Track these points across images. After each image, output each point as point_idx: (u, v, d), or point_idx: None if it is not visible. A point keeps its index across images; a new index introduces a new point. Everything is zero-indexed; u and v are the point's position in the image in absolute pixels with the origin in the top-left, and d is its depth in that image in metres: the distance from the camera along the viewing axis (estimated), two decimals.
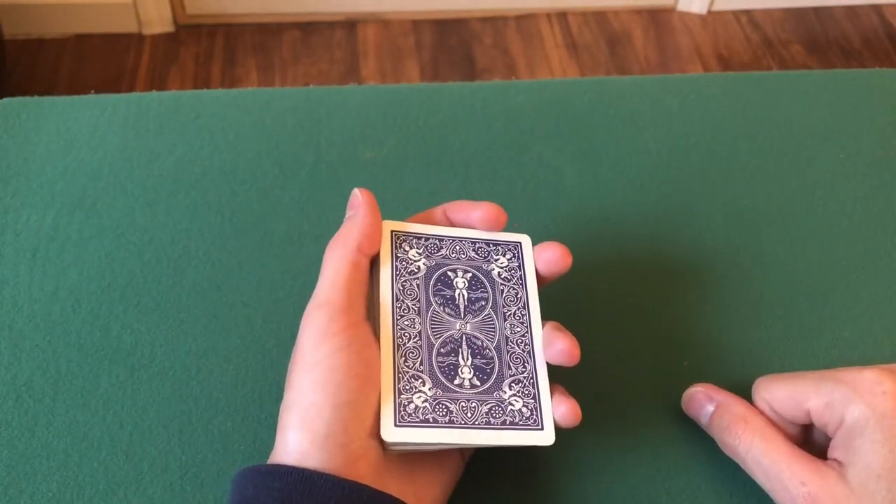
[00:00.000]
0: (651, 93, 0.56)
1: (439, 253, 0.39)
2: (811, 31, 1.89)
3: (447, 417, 0.34)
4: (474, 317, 0.37)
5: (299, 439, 0.32)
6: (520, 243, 0.40)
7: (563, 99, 0.56)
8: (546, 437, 0.35)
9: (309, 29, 1.78)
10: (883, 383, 0.34)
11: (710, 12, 1.90)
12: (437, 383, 0.35)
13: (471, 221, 0.40)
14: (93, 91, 0.55)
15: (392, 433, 0.33)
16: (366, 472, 0.33)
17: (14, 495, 0.37)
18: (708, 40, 1.84)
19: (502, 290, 0.38)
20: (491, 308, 0.38)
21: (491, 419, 0.34)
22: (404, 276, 0.37)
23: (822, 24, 1.91)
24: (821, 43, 1.86)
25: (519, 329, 0.37)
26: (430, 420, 0.34)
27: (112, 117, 0.52)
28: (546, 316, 0.38)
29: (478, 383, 0.35)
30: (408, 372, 0.35)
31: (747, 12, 1.91)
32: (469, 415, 0.34)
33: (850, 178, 0.52)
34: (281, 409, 0.34)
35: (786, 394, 0.37)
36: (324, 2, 1.78)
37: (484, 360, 0.36)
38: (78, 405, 0.40)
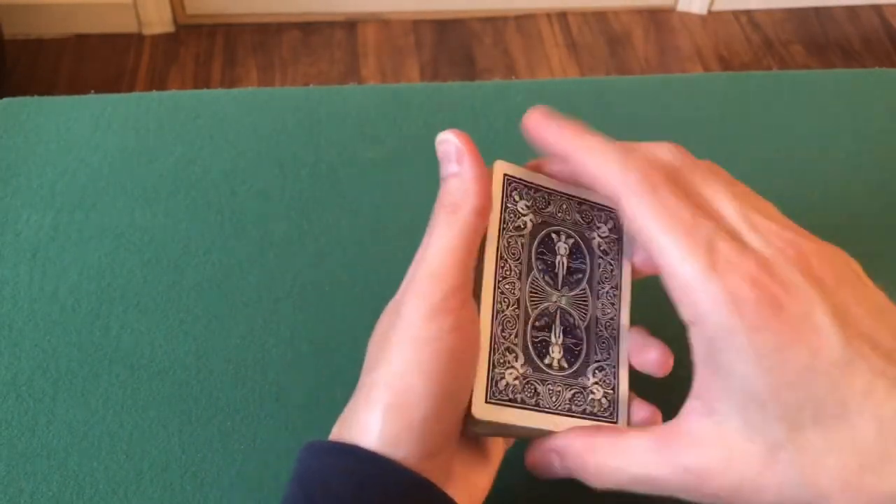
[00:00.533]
0: (651, 93, 0.56)
1: (547, 210, 0.34)
2: (811, 32, 1.89)
3: (534, 399, 0.31)
4: (570, 290, 0.34)
5: (391, 423, 0.29)
6: None
7: (563, 99, 0.56)
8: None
9: (309, 29, 1.78)
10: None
11: (710, 12, 1.90)
12: (528, 360, 0.32)
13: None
14: (93, 91, 0.55)
15: (482, 409, 0.30)
16: (440, 466, 0.30)
17: (14, 495, 0.37)
18: (708, 40, 1.84)
19: (599, 264, 0.35)
20: (587, 283, 0.34)
21: (573, 406, 0.32)
22: (511, 230, 0.33)
23: (823, 24, 1.91)
24: (821, 43, 1.86)
25: (609, 311, 0.34)
26: (519, 400, 0.31)
27: (112, 117, 0.52)
28: None
29: (566, 365, 0.33)
30: (503, 343, 0.31)
31: (747, 12, 1.92)
32: (554, 399, 0.32)
33: (850, 177, 0.52)
34: (366, 381, 0.30)
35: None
36: (324, 2, 1.78)
37: (574, 341, 0.33)
38: (78, 405, 0.40)
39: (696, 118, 0.55)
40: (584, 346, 0.33)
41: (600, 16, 1.88)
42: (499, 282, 0.32)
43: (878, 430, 0.25)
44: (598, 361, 0.33)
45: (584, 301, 0.34)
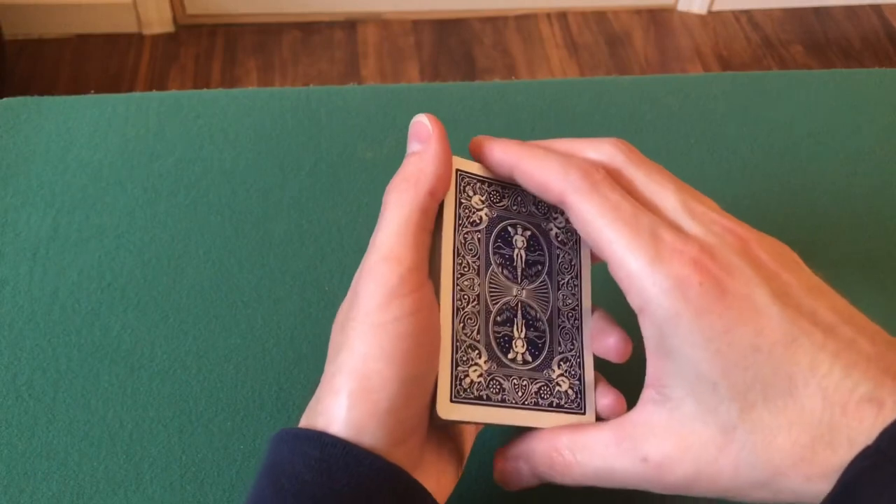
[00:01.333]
0: (651, 93, 0.56)
1: (501, 203, 0.34)
2: (811, 31, 1.89)
3: (500, 395, 0.31)
4: (530, 283, 0.33)
5: (356, 409, 0.28)
6: None
7: (563, 99, 0.56)
8: (588, 419, 0.33)
9: (309, 29, 1.78)
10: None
11: (710, 12, 1.90)
12: (492, 356, 0.32)
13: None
14: (93, 91, 0.55)
15: (447, 409, 0.30)
16: (408, 452, 0.30)
17: (14, 495, 0.37)
18: (708, 40, 1.84)
19: (558, 255, 0.34)
20: (546, 275, 0.34)
21: (539, 400, 0.32)
22: (466, 226, 0.33)
23: (822, 24, 1.91)
24: (821, 43, 1.86)
25: (570, 301, 0.34)
26: (484, 398, 0.31)
27: (112, 117, 0.52)
28: None
29: (530, 359, 0.32)
30: (465, 341, 0.31)
31: (747, 12, 1.92)
32: (520, 394, 0.32)
33: (850, 178, 0.52)
34: (330, 369, 0.30)
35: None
36: (324, 2, 1.78)
37: (537, 334, 0.33)
38: (78, 405, 0.40)
39: (696, 118, 0.55)
40: (548, 339, 0.33)
41: (600, 16, 1.88)
42: (457, 279, 0.32)
43: (824, 402, 0.26)
44: (563, 353, 0.33)
45: (545, 293, 0.34)
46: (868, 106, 0.57)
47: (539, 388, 0.32)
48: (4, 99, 0.53)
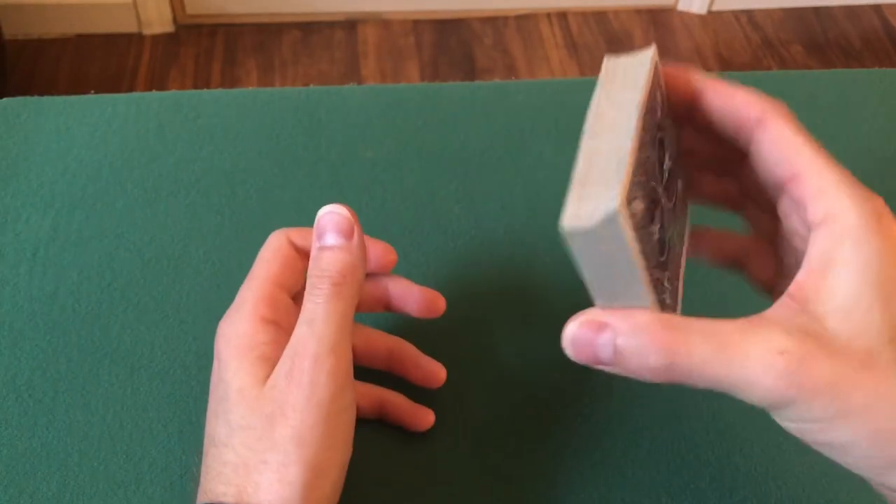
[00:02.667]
0: None
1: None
2: (811, 31, 1.89)
3: (643, 246, 0.26)
4: (663, 187, 0.30)
5: (307, 491, 0.30)
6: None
7: (563, 99, 0.56)
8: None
9: (309, 29, 1.78)
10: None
11: (710, 12, 1.90)
12: (647, 208, 0.27)
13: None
14: (93, 91, 0.55)
15: (619, 216, 0.25)
16: None
17: (14, 495, 0.37)
18: (708, 40, 1.84)
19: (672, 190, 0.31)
20: (677, 218, 0.32)
21: (656, 285, 0.28)
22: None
23: (822, 24, 1.91)
24: (821, 43, 1.86)
25: (677, 241, 0.32)
26: (639, 236, 0.26)
27: (112, 117, 0.52)
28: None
29: (659, 249, 0.29)
30: (638, 176, 0.26)
31: (747, 12, 1.92)
32: (650, 261, 0.27)
33: None
34: (271, 455, 0.30)
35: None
36: (324, 2, 1.78)
37: (662, 228, 0.29)
38: (78, 405, 0.40)
39: None
40: (667, 248, 0.30)
41: (600, 16, 1.88)
42: (643, 144, 0.27)
43: None
44: (669, 276, 0.30)
45: (675, 222, 0.31)
46: (868, 106, 0.57)
47: (657, 278, 0.28)
48: (4, 99, 0.53)
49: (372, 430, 0.40)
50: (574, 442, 0.40)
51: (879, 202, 0.28)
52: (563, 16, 1.87)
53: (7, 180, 0.49)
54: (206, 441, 0.33)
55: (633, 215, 0.25)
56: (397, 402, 0.40)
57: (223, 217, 0.48)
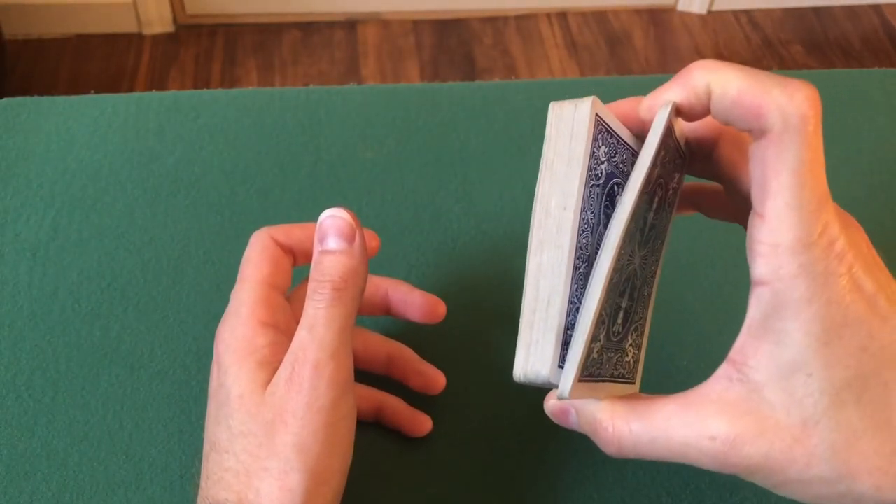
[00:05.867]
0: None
1: (615, 159, 0.30)
2: (811, 31, 1.89)
3: (599, 370, 0.29)
4: (643, 248, 0.30)
5: (308, 497, 0.30)
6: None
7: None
8: (634, 389, 0.32)
9: (309, 29, 1.78)
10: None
11: (710, 12, 1.90)
12: (607, 330, 0.29)
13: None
14: (93, 91, 0.55)
15: (575, 389, 0.27)
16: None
17: (14, 495, 0.37)
18: (708, 40, 1.84)
19: (661, 218, 0.31)
20: (656, 239, 0.31)
21: (614, 371, 0.30)
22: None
23: (822, 24, 1.91)
24: (821, 43, 1.86)
25: (652, 267, 0.32)
26: (594, 374, 0.28)
27: (112, 117, 0.52)
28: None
29: (619, 330, 0.30)
30: (603, 317, 0.28)
31: (747, 12, 1.92)
32: (607, 367, 0.29)
33: (850, 177, 0.52)
34: (271, 462, 0.30)
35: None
36: (324, 2, 1.78)
37: (630, 303, 0.30)
38: (78, 405, 0.40)
39: None
40: (634, 309, 0.31)
41: (600, 16, 1.88)
42: (620, 254, 0.28)
43: None
44: (636, 322, 0.31)
45: (646, 259, 0.31)
46: (868, 106, 0.57)
47: (615, 361, 0.30)
48: (4, 99, 0.53)
49: (370, 432, 0.40)
50: (573, 442, 0.40)
51: (835, 253, 0.26)
52: (563, 16, 1.87)
53: (7, 180, 0.49)
54: (207, 446, 0.33)
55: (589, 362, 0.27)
56: (396, 407, 0.40)
57: (223, 217, 0.48)
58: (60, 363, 0.42)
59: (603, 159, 0.29)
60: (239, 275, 0.35)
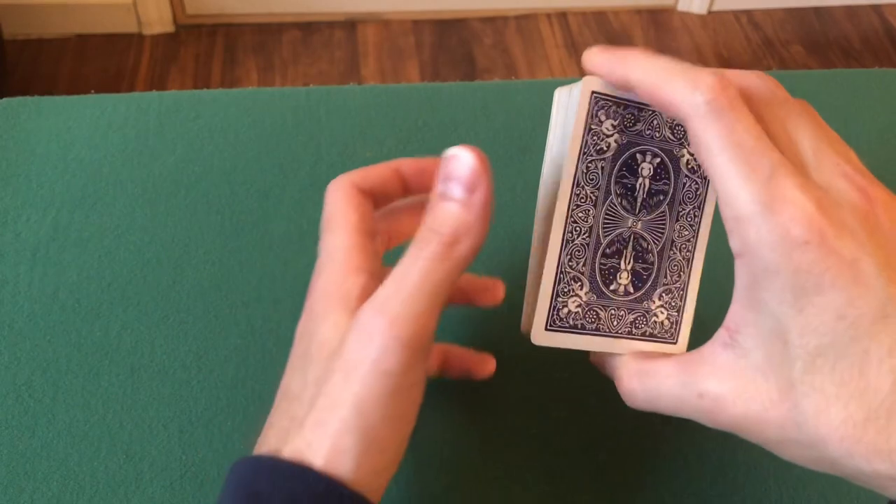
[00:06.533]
0: None
1: (634, 128, 0.32)
2: (811, 31, 1.89)
3: (595, 325, 0.32)
4: (648, 213, 0.33)
5: (361, 469, 0.28)
6: None
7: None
8: (678, 349, 0.34)
9: (309, 29, 1.78)
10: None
11: (710, 12, 1.90)
12: (594, 287, 0.32)
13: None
14: (93, 91, 0.55)
15: (541, 336, 0.32)
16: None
17: (14, 495, 0.37)
18: (708, 40, 1.84)
19: (684, 184, 0.33)
20: (667, 205, 0.33)
21: (633, 329, 0.33)
22: (592, 154, 0.31)
23: (822, 24, 1.91)
24: (821, 43, 1.86)
25: (686, 233, 0.33)
26: (579, 326, 0.32)
27: (112, 117, 0.52)
28: None
29: (632, 290, 0.33)
30: (569, 272, 0.32)
31: (747, 12, 1.92)
32: (615, 323, 0.33)
33: None
34: (326, 416, 0.28)
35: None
36: (324, 2, 1.78)
37: (644, 266, 0.33)
38: (78, 405, 0.40)
39: None
40: (654, 271, 0.33)
41: (600, 16, 1.88)
42: (572, 210, 0.31)
43: (893, 385, 0.25)
44: (667, 284, 0.34)
45: (662, 224, 0.33)
46: (868, 106, 0.57)
47: (635, 319, 0.33)
48: (4, 99, 0.53)
49: None
50: (576, 442, 0.40)
51: (794, 215, 0.26)
52: (562, 16, 1.87)
53: (7, 180, 0.49)
54: (279, 394, 0.31)
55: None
56: (461, 354, 0.39)
57: (223, 217, 0.48)
58: (60, 363, 0.42)
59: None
60: (325, 225, 0.32)
